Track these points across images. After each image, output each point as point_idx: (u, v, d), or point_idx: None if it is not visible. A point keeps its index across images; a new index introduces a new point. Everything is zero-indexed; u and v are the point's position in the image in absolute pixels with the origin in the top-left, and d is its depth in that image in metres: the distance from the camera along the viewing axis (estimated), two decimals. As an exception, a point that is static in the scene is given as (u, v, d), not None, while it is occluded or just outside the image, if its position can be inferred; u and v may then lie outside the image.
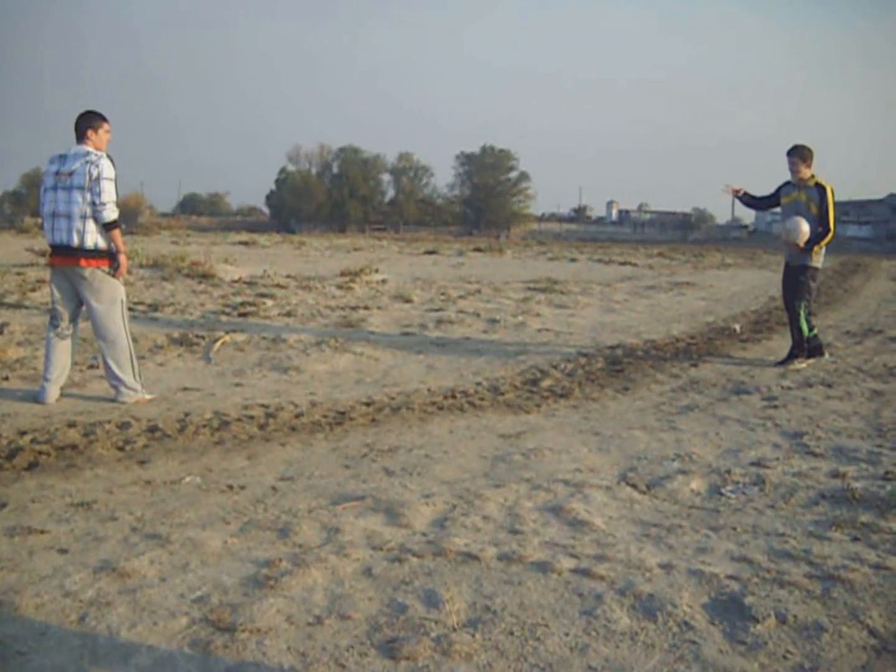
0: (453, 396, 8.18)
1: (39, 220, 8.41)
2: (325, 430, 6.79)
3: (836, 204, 10.07)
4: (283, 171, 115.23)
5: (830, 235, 9.92)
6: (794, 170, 10.05)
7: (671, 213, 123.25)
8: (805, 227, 9.85)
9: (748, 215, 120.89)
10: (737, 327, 13.24)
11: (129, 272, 7.84)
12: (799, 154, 10.00)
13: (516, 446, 6.43)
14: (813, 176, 10.01)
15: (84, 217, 7.34)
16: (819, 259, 10.19)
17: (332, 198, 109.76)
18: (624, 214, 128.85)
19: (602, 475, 5.76)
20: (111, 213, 7.38)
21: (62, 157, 7.53)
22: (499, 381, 8.98)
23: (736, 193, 10.57)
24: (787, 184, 10.28)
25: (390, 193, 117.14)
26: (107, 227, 7.39)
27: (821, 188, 9.95)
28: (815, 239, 9.89)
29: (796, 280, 10.22)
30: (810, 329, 10.27)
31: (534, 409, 7.83)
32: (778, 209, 10.69)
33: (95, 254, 7.41)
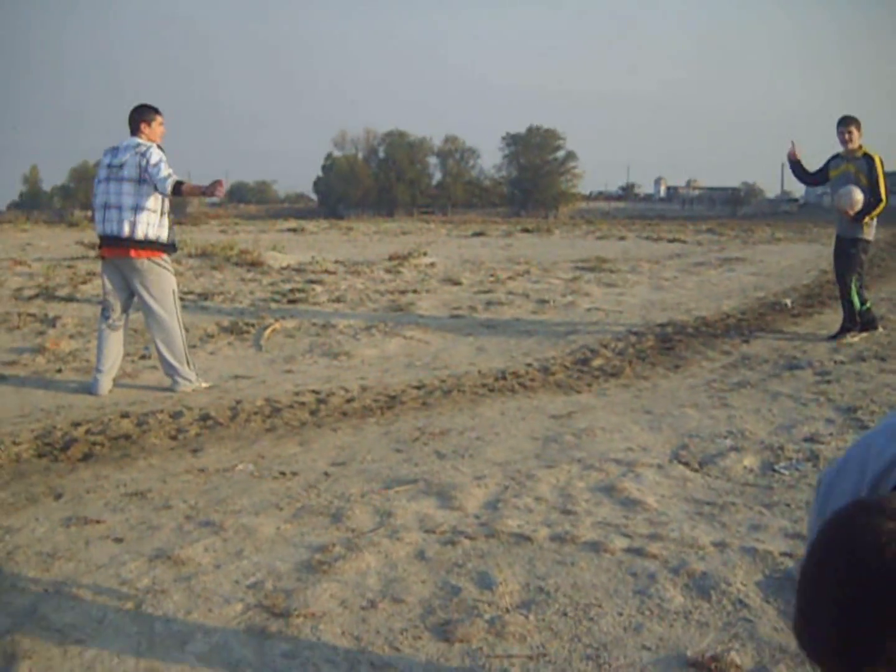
0: (504, 378, 8.17)
1: (90, 213, 8.49)
2: (377, 415, 6.81)
3: (886, 174, 9.95)
4: (329, 157, 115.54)
5: (882, 205, 9.78)
6: (846, 139, 9.89)
7: (720, 189, 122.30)
8: (859, 195, 9.71)
9: (798, 189, 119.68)
10: (788, 302, 13.11)
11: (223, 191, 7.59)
12: (854, 123, 9.86)
13: (567, 426, 6.42)
14: (861, 146, 9.88)
15: (134, 208, 7.40)
16: (871, 231, 10.06)
17: (379, 182, 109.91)
18: (672, 191, 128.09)
19: (654, 454, 5.74)
20: (171, 182, 7.33)
21: (114, 150, 7.62)
22: (549, 362, 8.96)
23: (794, 157, 10.43)
24: (834, 157, 10.15)
25: (437, 176, 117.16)
26: (176, 192, 7.38)
27: (869, 158, 9.82)
28: (866, 209, 9.76)
29: (847, 252, 10.10)
30: (863, 302, 10.14)
31: (584, 389, 7.81)
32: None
33: (146, 244, 7.47)
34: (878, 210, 9.79)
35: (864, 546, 1.27)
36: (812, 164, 10.53)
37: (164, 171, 7.36)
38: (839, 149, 10.03)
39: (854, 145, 9.84)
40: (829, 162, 10.23)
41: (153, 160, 7.39)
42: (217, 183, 7.46)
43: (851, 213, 9.77)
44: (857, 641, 1.24)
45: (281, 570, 3.90)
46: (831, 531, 1.35)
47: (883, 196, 9.73)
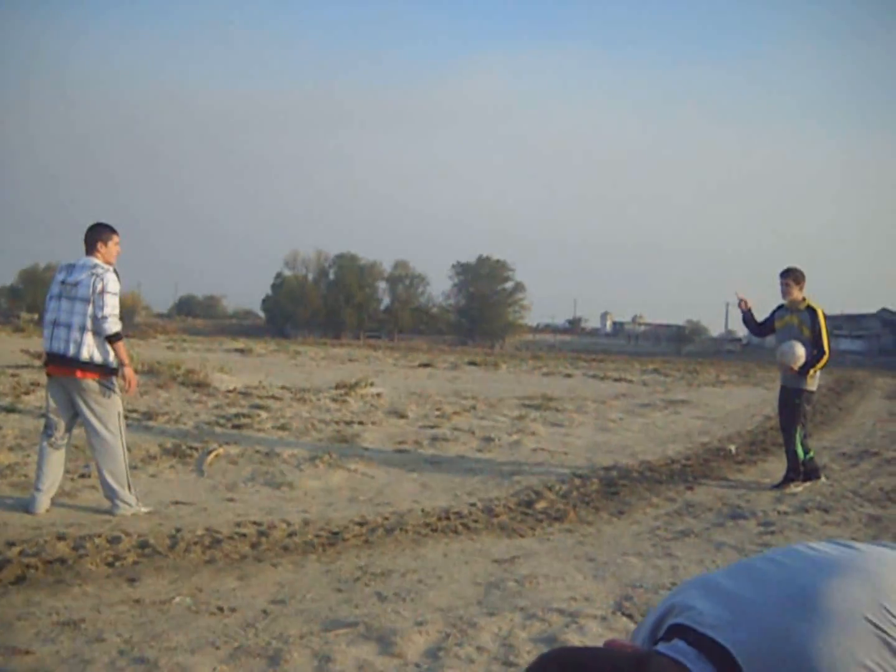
0: (447, 518, 8.10)
1: (36, 317, 8.45)
2: (318, 551, 6.71)
3: (828, 319, 10.20)
4: (279, 275, 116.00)
5: (825, 358, 9.98)
6: (785, 291, 10.13)
7: (665, 326, 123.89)
8: (800, 351, 9.89)
9: (741, 329, 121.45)
10: (732, 448, 13.20)
11: (135, 381, 7.83)
12: (792, 276, 10.11)
13: (510, 572, 6.35)
14: (804, 299, 10.10)
15: (83, 329, 7.38)
16: (814, 382, 10.25)
17: (328, 304, 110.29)
18: (618, 326, 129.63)
19: (597, 604, 5.69)
20: (113, 326, 7.41)
21: (70, 267, 7.62)
22: (493, 502, 8.91)
23: (744, 307, 10.59)
24: (779, 308, 10.38)
25: (386, 301, 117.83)
26: (109, 340, 7.43)
27: (812, 311, 10.03)
28: (810, 362, 9.92)
29: (792, 403, 10.24)
30: (806, 452, 10.26)
31: (528, 533, 7.75)
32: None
33: (91, 366, 7.42)
34: (821, 363, 9.97)
35: None
36: (761, 310, 10.72)
37: (110, 308, 7.44)
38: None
39: (794, 297, 10.06)
40: (774, 312, 10.46)
41: (109, 288, 7.40)
42: (132, 380, 7.75)
43: (795, 367, 9.92)
44: None
45: (215, 716, 3.81)
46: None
47: (826, 349, 9.93)
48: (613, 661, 1.46)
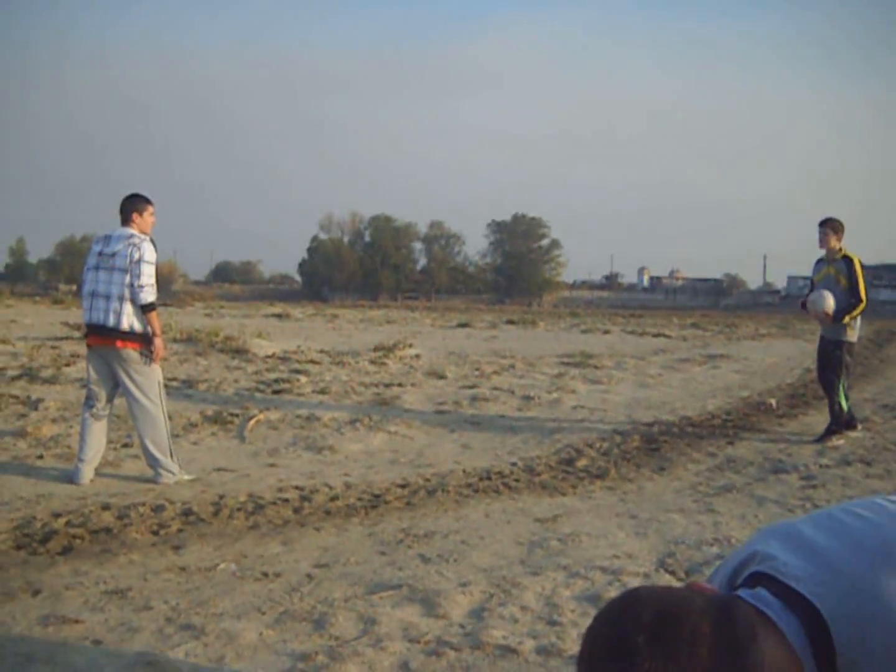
0: (489, 478, 8.12)
1: (74, 288, 8.51)
2: (360, 514, 6.74)
3: (866, 269, 10.11)
4: (315, 239, 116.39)
5: (862, 305, 9.90)
6: (823, 240, 10.06)
7: (703, 280, 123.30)
8: (830, 301, 9.83)
9: (780, 280, 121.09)
10: (773, 402, 13.11)
11: (165, 352, 7.87)
12: (830, 225, 10.03)
13: (553, 531, 6.36)
14: (841, 249, 10.02)
15: (122, 299, 7.40)
16: (854, 333, 10.18)
17: (364, 266, 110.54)
18: (655, 281, 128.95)
19: (640, 561, 5.69)
20: (149, 296, 7.43)
21: (107, 238, 7.63)
22: (534, 462, 8.92)
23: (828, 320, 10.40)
24: (818, 262, 10.33)
25: (422, 262, 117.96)
26: (144, 310, 7.45)
27: (848, 259, 9.97)
28: (847, 308, 9.86)
29: (832, 354, 10.18)
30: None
31: (570, 491, 7.76)
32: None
33: (132, 336, 7.45)
34: (858, 310, 9.89)
35: (611, 630, 1.43)
36: (801, 261, 10.67)
37: (147, 277, 7.46)
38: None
39: (832, 246, 9.98)
40: (814, 267, 10.37)
41: (146, 257, 7.43)
42: (160, 350, 7.72)
43: (828, 314, 9.86)
44: None
45: (263, 680, 3.84)
46: (602, 610, 1.51)
47: (863, 296, 9.84)
48: (699, 603, 1.44)
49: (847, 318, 9.93)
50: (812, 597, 1.56)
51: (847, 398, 10.27)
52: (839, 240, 10.04)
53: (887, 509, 1.81)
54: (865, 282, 9.97)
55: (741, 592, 1.61)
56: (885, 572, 1.59)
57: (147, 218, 7.75)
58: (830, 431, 10.15)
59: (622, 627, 1.40)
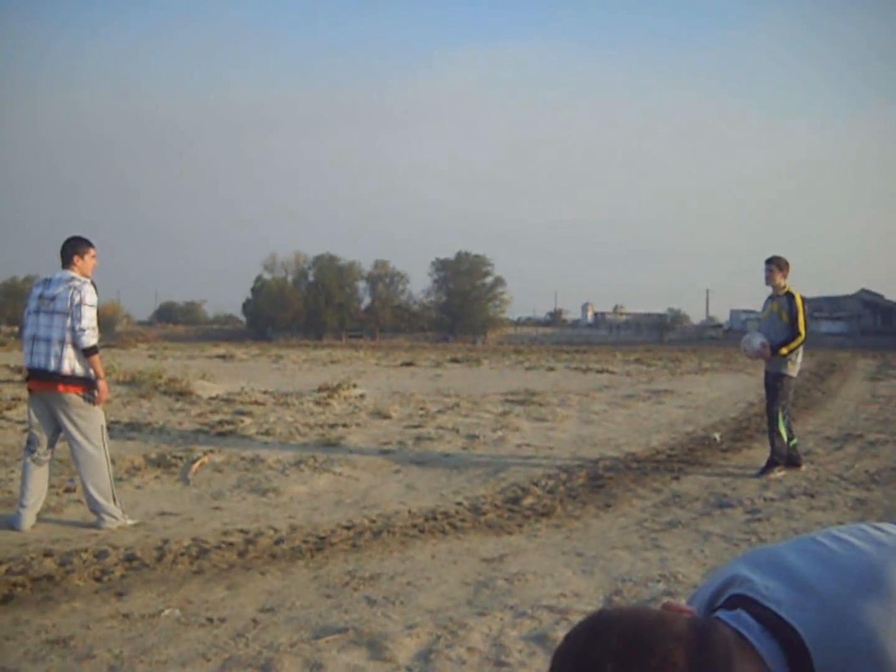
0: (434, 518, 8.10)
1: (17, 330, 8.44)
2: (306, 557, 6.70)
3: (806, 302, 10.40)
4: (259, 279, 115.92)
5: (801, 338, 10.14)
6: (769, 277, 10.34)
7: (646, 314, 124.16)
8: (757, 339, 10.16)
9: (722, 314, 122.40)
10: (717, 436, 13.21)
11: (108, 394, 7.81)
12: (776, 263, 10.31)
13: (499, 570, 6.35)
14: (785, 286, 10.23)
15: (63, 342, 7.36)
16: (795, 367, 10.35)
17: (309, 306, 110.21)
18: (599, 316, 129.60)
19: (587, 599, 5.69)
20: (90, 339, 7.39)
21: (47, 281, 7.60)
22: (480, 501, 8.91)
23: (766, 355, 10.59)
24: (767, 299, 10.52)
25: (366, 301, 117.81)
26: (85, 353, 7.41)
27: (790, 295, 10.24)
28: (785, 341, 10.13)
29: (773, 387, 10.35)
30: (790, 438, 10.34)
31: (516, 530, 7.76)
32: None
33: (73, 379, 7.40)
34: (796, 343, 10.14)
35: (577, 657, 1.37)
36: (747, 297, 10.89)
37: (87, 321, 7.44)
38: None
39: (777, 282, 10.22)
40: (763, 304, 10.61)
41: (87, 300, 7.40)
42: (104, 393, 7.68)
43: (765, 347, 10.09)
44: None
45: (207, 729, 3.80)
46: (571, 632, 1.43)
47: (801, 330, 10.13)
48: (674, 627, 1.39)
49: (785, 350, 10.12)
50: (794, 622, 1.51)
51: (791, 432, 10.41)
52: (784, 276, 10.27)
53: (873, 536, 1.76)
54: (805, 316, 10.16)
55: (720, 614, 1.57)
56: (870, 600, 1.55)
57: (88, 260, 7.71)
58: (772, 463, 10.25)
59: (590, 653, 1.35)
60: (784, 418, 10.28)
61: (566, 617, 5.30)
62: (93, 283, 7.61)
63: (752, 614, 1.53)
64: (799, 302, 10.17)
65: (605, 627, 1.39)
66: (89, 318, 7.41)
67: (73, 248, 7.67)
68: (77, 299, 7.36)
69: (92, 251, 7.77)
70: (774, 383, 10.33)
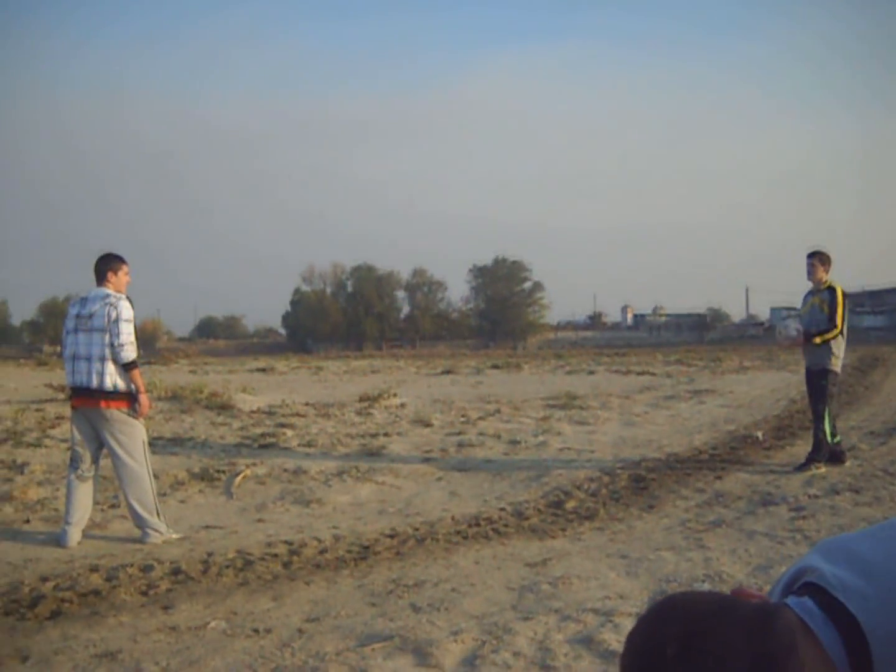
0: (477, 524, 8.10)
1: (59, 349, 8.54)
2: (350, 566, 6.71)
3: (848, 297, 10.32)
4: (297, 291, 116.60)
5: (836, 331, 10.06)
6: (811, 272, 10.27)
7: (686, 315, 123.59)
8: (792, 327, 10.24)
9: (763, 312, 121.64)
10: (759, 434, 13.13)
11: (150, 408, 7.88)
12: (818, 257, 10.24)
13: (543, 575, 6.34)
14: (826, 280, 10.15)
15: (103, 359, 7.42)
16: (837, 362, 10.25)
17: (348, 316, 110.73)
18: (639, 318, 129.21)
19: (632, 601, 5.67)
20: (129, 354, 7.45)
21: (83, 300, 7.67)
22: (522, 506, 8.90)
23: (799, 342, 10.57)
24: (807, 294, 10.44)
25: (406, 309, 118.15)
26: (126, 368, 7.47)
27: (832, 289, 10.15)
28: (820, 331, 10.12)
29: (817, 385, 10.26)
30: (833, 435, 10.24)
31: (559, 534, 7.74)
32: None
33: (115, 395, 7.47)
34: (830, 335, 10.07)
35: (643, 640, 1.36)
36: (789, 293, 10.84)
37: (126, 336, 7.50)
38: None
39: (819, 277, 10.15)
40: (803, 299, 10.53)
41: (124, 315, 7.46)
42: (145, 407, 7.72)
43: (799, 333, 10.09)
44: None
45: (255, 739, 3.81)
46: (641, 616, 1.43)
47: (838, 322, 10.05)
48: (739, 613, 1.37)
49: (819, 339, 10.09)
50: (855, 610, 1.48)
51: (835, 429, 10.32)
52: (826, 271, 10.21)
53: None
54: (844, 310, 10.08)
55: (789, 600, 1.54)
56: None
57: (122, 277, 7.78)
58: (811, 460, 10.18)
59: (653, 637, 1.35)
60: (829, 415, 10.21)
61: (611, 619, 5.28)
62: (128, 299, 7.67)
63: (816, 602, 1.51)
64: (840, 295, 10.10)
65: (670, 612, 1.39)
66: (127, 333, 7.47)
67: (106, 265, 7.74)
68: (114, 315, 7.42)
69: (125, 267, 7.84)
70: (819, 381, 10.24)
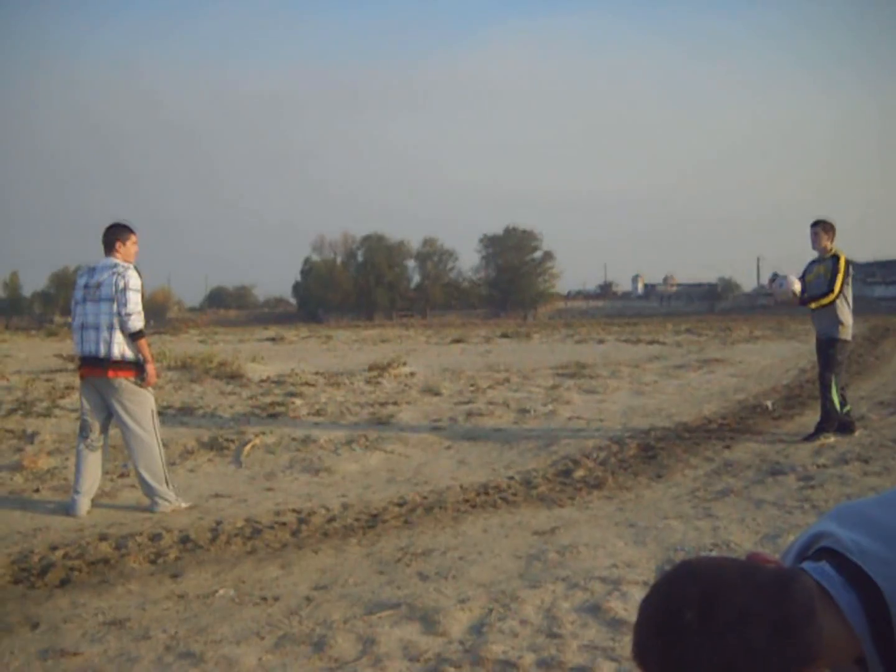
0: (486, 493, 8.12)
1: (68, 320, 8.55)
2: (358, 535, 6.73)
3: (853, 265, 10.43)
4: (307, 261, 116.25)
5: (832, 296, 10.08)
6: (815, 240, 10.28)
7: (697, 285, 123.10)
8: (796, 285, 10.32)
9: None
10: (768, 404, 13.12)
11: (157, 378, 7.88)
12: (822, 226, 10.22)
13: (551, 543, 6.34)
14: (831, 248, 10.13)
15: (111, 328, 7.42)
16: (847, 331, 10.23)
17: (359, 286, 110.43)
18: (650, 288, 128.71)
19: (639, 570, 5.67)
20: (136, 323, 7.45)
21: (91, 270, 7.67)
22: (531, 474, 8.91)
23: (795, 297, 10.58)
24: (811, 262, 10.42)
25: (416, 279, 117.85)
26: (133, 337, 7.47)
27: (835, 258, 10.17)
28: (815, 296, 10.20)
29: (827, 354, 10.24)
30: (843, 405, 10.23)
31: (567, 502, 7.75)
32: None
33: (123, 364, 7.47)
34: (825, 300, 10.12)
35: (660, 601, 1.40)
36: (794, 262, 10.85)
37: (133, 305, 7.50)
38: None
39: (823, 245, 10.14)
40: (806, 267, 10.47)
41: (131, 285, 7.45)
42: (152, 376, 7.74)
43: (795, 296, 10.26)
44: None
45: (262, 705, 3.82)
46: (657, 581, 1.45)
47: (834, 288, 10.06)
48: (755, 577, 1.39)
49: (814, 305, 10.23)
50: (875, 575, 1.49)
51: (844, 399, 10.30)
52: (830, 240, 10.19)
53: None
54: (844, 277, 10.10)
55: (806, 565, 1.56)
56: None
57: (130, 247, 7.77)
58: (820, 429, 10.18)
59: (671, 602, 1.37)
60: (837, 385, 10.18)
61: (619, 588, 5.28)
62: (136, 268, 7.67)
63: (834, 567, 1.52)
64: (842, 263, 10.10)
65: (687, 577, 1.40)
66: (135, 302, 7.47)
67: (114, 235, 7.73)
68: (122, 284, 7.42)
69: (133, 237, 7.83)
70: (828, 349, 10.23)
